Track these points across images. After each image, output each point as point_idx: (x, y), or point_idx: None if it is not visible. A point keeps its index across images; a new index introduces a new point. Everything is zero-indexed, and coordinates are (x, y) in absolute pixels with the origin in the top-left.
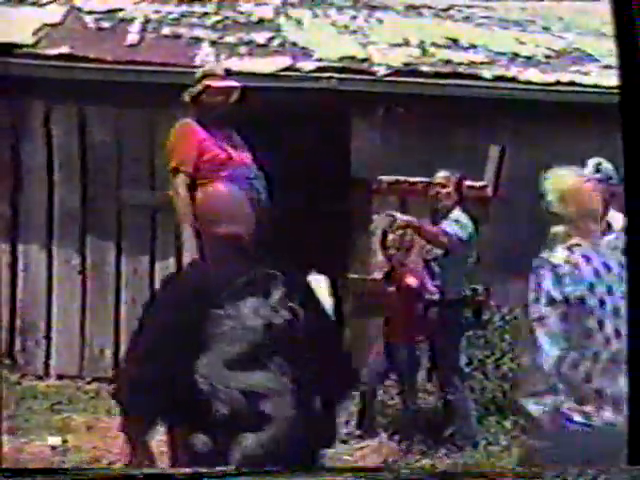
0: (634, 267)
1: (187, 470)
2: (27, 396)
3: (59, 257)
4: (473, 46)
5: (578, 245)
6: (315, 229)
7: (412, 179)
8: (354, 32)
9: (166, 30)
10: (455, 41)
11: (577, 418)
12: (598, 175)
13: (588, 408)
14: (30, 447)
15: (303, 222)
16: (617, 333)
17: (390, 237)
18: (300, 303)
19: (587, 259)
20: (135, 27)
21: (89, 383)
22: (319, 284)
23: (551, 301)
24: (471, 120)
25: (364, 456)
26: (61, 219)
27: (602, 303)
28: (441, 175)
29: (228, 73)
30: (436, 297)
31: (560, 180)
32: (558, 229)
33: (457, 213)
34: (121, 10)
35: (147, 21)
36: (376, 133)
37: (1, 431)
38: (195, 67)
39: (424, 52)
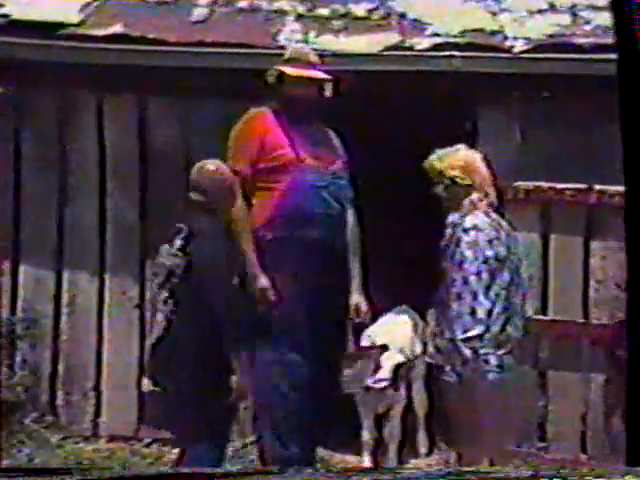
0: (633, 256)
1: (189, 470)
2: (70, 462)
3: (113, 287)
4: None
5: (487, 211)
6: (430, 249)
7: (559, 185)
8: None
9: (241, 2)
10: None
11: (493, 361)
12: None
13: (500, 352)
14: None
15: (413, 241)
16: (517, 286)
17: None
18: (196, 250)
19: (499, 224)
20: None
21: (148, 446)
22: (401, 320)
23: (486, 259)
24: None
25: None
26: (116, 239)
27: (512, 262)
28: None
29: (321, 56)
30: None
31: (455, 156)
32: (473, 197)
33: None
34: None
35: None
36: (512, 126)
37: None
38: (278, 48)
39: (575, 18)
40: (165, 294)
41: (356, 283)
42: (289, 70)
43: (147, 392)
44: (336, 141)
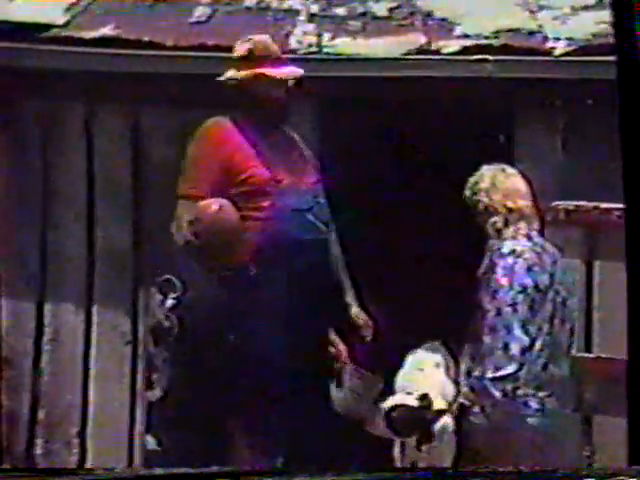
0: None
1: (189, 470)
2: None
3: (102, 321)
4: None
5: (529, 234)
6: (454, 282)
7: (604, 205)
8: None
9: (247, 1)
10: None
11: (533, 404)
12: None
13: (542, 394)
14: None
15: (439, 271)
16: (563, 322)
17: None
18: (189, 308)
19: (544, 250)
20: None
21: None
22: (435, 363)
23: (523, 288)
24: None
25: None
26: (105, 267)
27: (557, 292)
28: None
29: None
30: None
31: (476, 179)
32: (495, 219)
33: None
34: None
35: None
36: (552, 138)
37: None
38: (289, 52)
39: None
40: (165, 353)
41: (351, 296)
42: (242, 73)
43: (150, 450)
44: (305, 149)
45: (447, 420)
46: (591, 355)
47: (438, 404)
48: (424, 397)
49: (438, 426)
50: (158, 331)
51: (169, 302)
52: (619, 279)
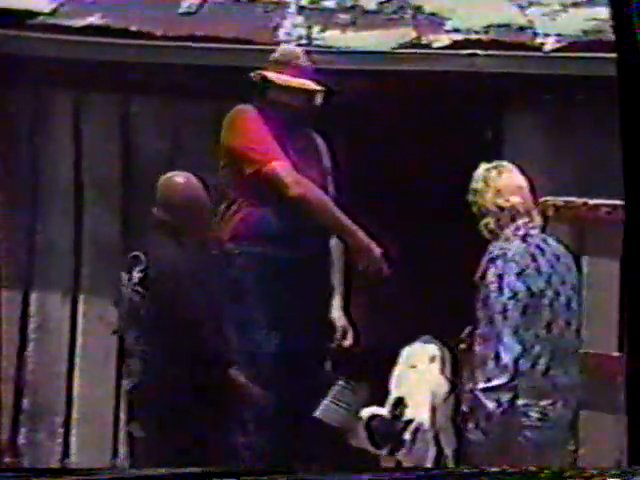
0: (630, 259)
1: (189, 470)
2: None
3: (88, 311)
4: None
5: (526, 235)
6: (445, 273)
7: (593, 201)
8: None
9: None
10: None
11: (533, 414)
12: None
13: (544, 403)
14: None
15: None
16: (568, 324)
17: None
18: (154, 282)
19: (541, 250)
20: None
21: None
22: (430, 357)
23: (514, 294)
24: None
25: None
26: (93, 256)
27: (557, 295)
28: None
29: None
30: None
31: (495, 175)
32: (487, 220)
33: None
34: None
35: None
36: (541, 134)
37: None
38: (278, 44)
39: None
40: (135, 332)
41: (337, 304)
42: (274, 77)
43: (137, 437)
44: (323, 148)
45: (421, 420)
46: (580, 350)
47: (413, 410)
48: (399, 402)
49: (409, 432)
50: (129, 309)
51: (136, 277)
52: (608, 275)
